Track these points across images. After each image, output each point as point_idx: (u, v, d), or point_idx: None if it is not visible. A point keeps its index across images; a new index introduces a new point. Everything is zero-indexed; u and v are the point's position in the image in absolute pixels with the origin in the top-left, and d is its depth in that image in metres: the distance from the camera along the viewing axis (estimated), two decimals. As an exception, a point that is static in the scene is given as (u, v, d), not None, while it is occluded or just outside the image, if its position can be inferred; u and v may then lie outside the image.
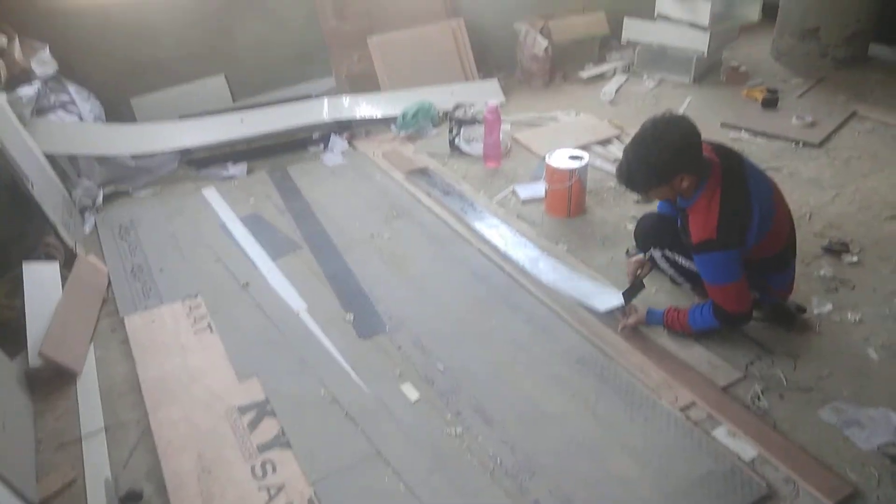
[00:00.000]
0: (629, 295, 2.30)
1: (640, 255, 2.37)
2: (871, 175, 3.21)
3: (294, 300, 2.52)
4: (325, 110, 3.91)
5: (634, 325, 2.24)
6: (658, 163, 1.87)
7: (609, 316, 2.33)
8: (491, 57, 4.70)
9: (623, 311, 2.30)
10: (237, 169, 3.51)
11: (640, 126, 1.94)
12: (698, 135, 1.89)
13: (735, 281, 1.90)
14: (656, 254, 2.28)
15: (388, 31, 4.20)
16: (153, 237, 3.00)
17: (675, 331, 2.20)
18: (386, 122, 3.99)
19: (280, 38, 4.11)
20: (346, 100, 4.02)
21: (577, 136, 3.68)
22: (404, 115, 3.91)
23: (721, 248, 1.85)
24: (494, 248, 2.79)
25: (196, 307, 2.52)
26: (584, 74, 4.59)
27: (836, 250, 2.63)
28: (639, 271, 2.34)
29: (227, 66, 4.02)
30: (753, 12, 4.21)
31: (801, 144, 3.52)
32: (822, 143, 3.52)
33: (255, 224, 3.05)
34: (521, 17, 4.64)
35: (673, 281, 2.39)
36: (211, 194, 3.32)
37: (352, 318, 2.42)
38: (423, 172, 3.45)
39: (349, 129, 3.93)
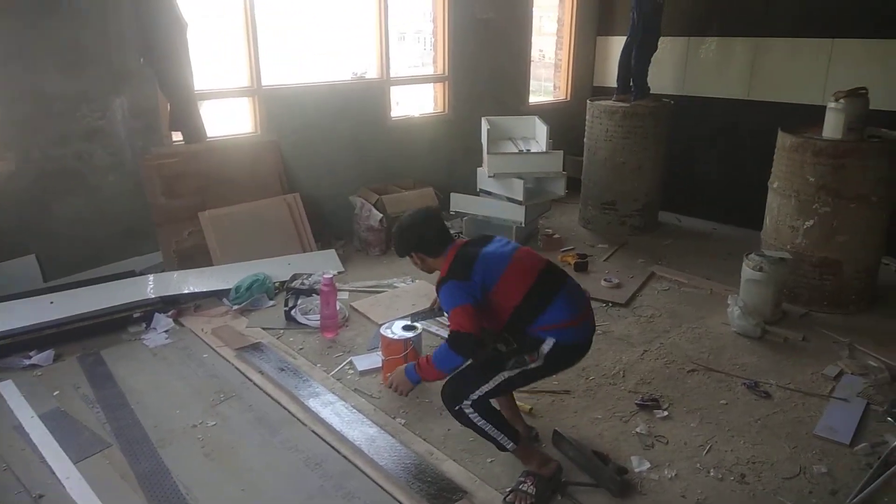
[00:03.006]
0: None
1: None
2: (672, 331, 3.60)
3: (96, 513, 2.21)
4: (150, 287, 3.73)
5: (398, 385, 2.42)
6: (403, 241, 2.52)
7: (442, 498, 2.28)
8: (329, 227, 4.85)
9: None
10: (42, 357, 3.16)
11: (408, 214, 2.58)
12: (434, 228, 2.46)
13: (462, 303, 2.24)
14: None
15: (222, 206, 4.21)
16: (-76, 447, 2.56)
17: (428, 379, 2.36)
18: (219, 295, 3.88)
19: (102, 213, 3.96)
20: (174, 275, 3.87)
21: (413, 302, 3.80)
22: (238, 288, 3.83)
23: (450, 279, 2.31)
24: (330, 429, 2.68)
25: (-31, 534, 2.13)
26: (418, 243, 4.85)
27: (648, 406, 2.85)
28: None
29: (39, 244, 3.76)
30: (559, 189, 4.81)
31: (610, 305, 3.89)
32: (628, 303, 3.92)
33: (58, 421, 2.71)
34: (355, 190, 4.91)
35: None
36: (7, 389, 2.93)
37: (165, 528, 2.16)
38: (255, 348, 3.32)
39: (176, 305, 3.75)
